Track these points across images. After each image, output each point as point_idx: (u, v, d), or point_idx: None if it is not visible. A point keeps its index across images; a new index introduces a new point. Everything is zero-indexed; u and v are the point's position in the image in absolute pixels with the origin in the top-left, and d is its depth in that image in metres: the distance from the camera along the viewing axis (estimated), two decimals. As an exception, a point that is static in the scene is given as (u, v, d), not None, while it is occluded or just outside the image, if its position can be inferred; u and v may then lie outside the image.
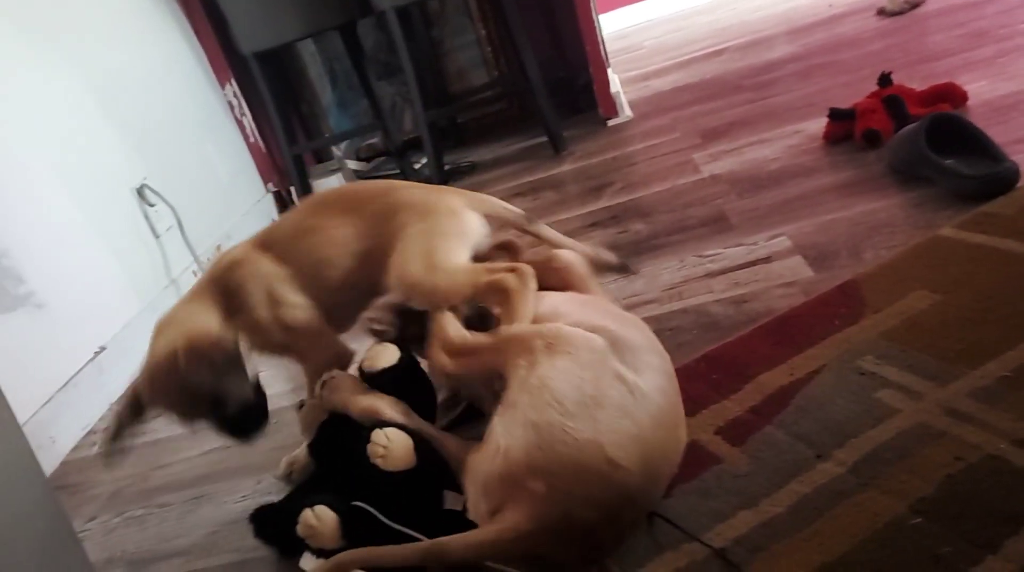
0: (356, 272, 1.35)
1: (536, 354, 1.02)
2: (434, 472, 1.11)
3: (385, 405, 1.18)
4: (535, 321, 1.16)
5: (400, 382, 1.25)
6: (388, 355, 1.25)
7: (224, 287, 1.32)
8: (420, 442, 1.12)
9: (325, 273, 1.34)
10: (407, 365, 1.27)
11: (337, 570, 1.01)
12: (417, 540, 1.04)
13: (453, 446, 1.14)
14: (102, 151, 2.33)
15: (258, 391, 1.30)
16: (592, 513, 0.93)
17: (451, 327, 1.19)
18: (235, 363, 1.24)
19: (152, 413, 1.27)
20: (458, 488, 1.11)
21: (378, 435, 1.10)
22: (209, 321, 1.27)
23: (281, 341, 1.34)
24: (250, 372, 1.28)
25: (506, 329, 1.13)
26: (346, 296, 1.37)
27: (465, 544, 0.95)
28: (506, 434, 0.97)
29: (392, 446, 1.09)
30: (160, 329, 1.28)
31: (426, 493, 1.11)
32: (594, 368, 1.01)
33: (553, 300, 1.23)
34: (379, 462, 1.09)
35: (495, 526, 0.94)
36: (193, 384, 1.18)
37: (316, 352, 1.36)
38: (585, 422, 0.95)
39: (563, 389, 0.98)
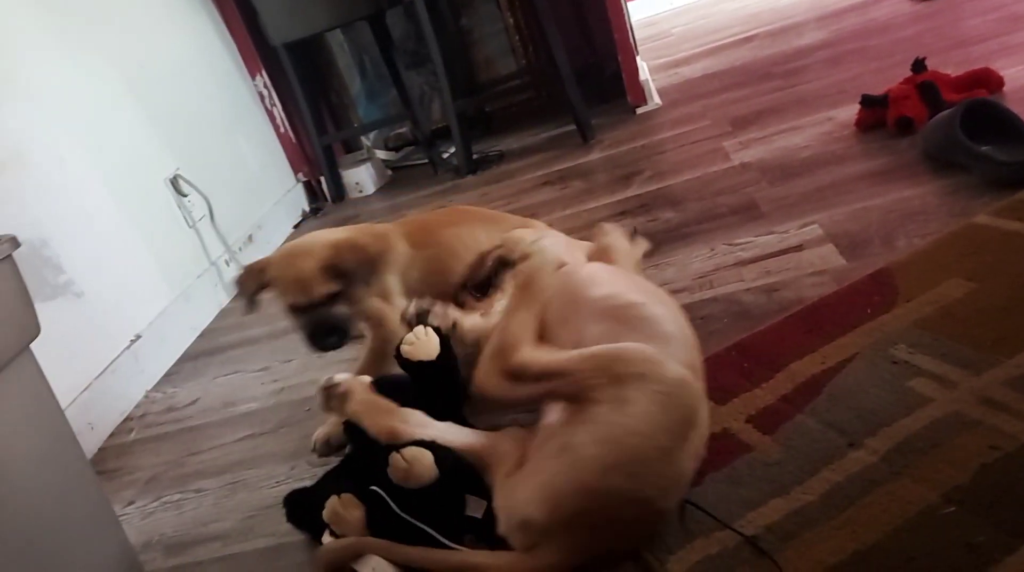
0: None
1: (611, 388, 0.96)
2: (456, 480, 1.11)
3: (398, 421, 1.16)
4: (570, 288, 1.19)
5: (434, 377, 1.26)
6: (429, 347, 1.26)
7: (365, 247, 1.48)
8: (440, 452, 1.11)
9: (450, 264, 1.54)
10: (444, 360, 1.27)
11: (352, 549, 1.04)
12: (429, 535, 1.06)
13: (478, 447, 1.13)
14: (136, 142, 2.36)
15: (351, 322, 1.47)
16: (632, 536, 0.96)
17: (526, 348, 1.08)
18: (364, 279, 1.45)
19: (265, 293, 1.49)
20: (480, 493, 1.11)
21: (396, 459, 1.08)
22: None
23: (365, 316, 1.51)
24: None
25: (593, 353, 1.03)
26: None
27: (498, 568, 0.96)
28: (555, 483, 0.94)
29: (412, 466, 1.07)
30: (303, 241, 1.50)
31: (448, 500, 1.10)
32: (665, 401, 0.97)
33: (592, 268, 1.25)
34: (403, 484, 1.08)
35: (533, 560, 0.94)
36: (336, 270, 1.40)
37: (380, 343, 1.49)
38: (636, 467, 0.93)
39: (630, 433, 0.94)
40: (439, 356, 1.26)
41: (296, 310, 1.45)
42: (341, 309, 1.45)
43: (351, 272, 1.42)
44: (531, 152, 3.03)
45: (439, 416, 1.20)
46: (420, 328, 1.28)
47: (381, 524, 1.10)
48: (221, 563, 1.29)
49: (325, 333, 1.44)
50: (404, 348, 1.26)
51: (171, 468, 1.63)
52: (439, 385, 1.27)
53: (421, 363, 1.25)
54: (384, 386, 1.30)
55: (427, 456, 1.09)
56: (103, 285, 2.01)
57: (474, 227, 1.58)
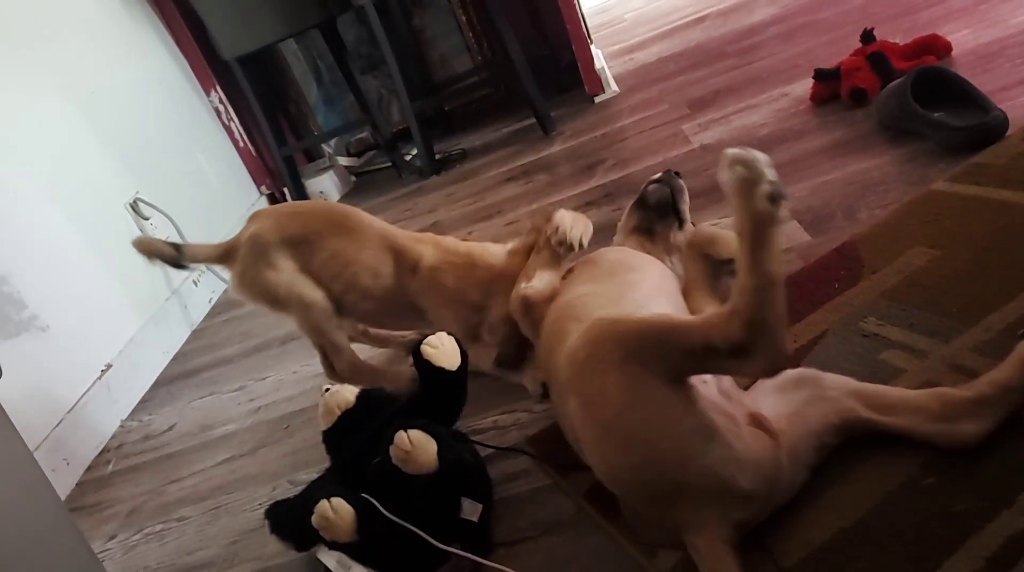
0: None
1: None
2: (455, 478, 1.10)
3: None
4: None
5: (446, 386, 1.25)
6: (452, 357, 1.24)
7: None
8: (446, 448, 1.10)
9: None
10: (461, 372, 1.26)
11: None
12: (424, 539, 1.04)
13: None
14: (93, 169, 2.33)
15: None
16: None
17: None
18: None
19: None
20: (477, 496, 1.10)
21: (401, 438, 1.07)
22: None
23: None
24: None
25: None
26: None
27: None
28: None
29: (415, 450, 1.07)
30: None
31: (444, 498, 1.09)
32: None
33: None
34: (400, 465, 1.08)
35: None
36: None
37: None
38: None
39: None
40: (459, 368, 1.25)
41: None
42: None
43: None
44: (493, 148, 3.02)
45: (436, 422, 1.19)
46: (444, 334, 1.26)
47: (372, 528, 1.08)
48: (208, 591, 1.27)
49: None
50: (426, 349, 1.23)
51: (152, 498, 1.61)
52: (447, 395, 1.26)
53: (441, 370, 1.23)
54: (369, 400, 1.30)
55: (432, 446, 1.08)
56: (69, 317, 1.98)
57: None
